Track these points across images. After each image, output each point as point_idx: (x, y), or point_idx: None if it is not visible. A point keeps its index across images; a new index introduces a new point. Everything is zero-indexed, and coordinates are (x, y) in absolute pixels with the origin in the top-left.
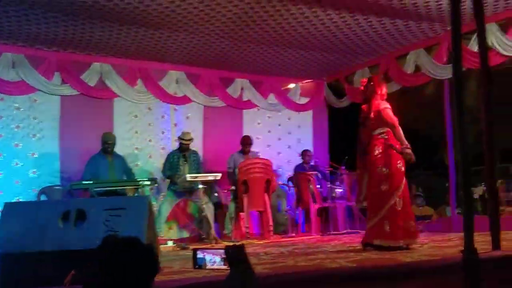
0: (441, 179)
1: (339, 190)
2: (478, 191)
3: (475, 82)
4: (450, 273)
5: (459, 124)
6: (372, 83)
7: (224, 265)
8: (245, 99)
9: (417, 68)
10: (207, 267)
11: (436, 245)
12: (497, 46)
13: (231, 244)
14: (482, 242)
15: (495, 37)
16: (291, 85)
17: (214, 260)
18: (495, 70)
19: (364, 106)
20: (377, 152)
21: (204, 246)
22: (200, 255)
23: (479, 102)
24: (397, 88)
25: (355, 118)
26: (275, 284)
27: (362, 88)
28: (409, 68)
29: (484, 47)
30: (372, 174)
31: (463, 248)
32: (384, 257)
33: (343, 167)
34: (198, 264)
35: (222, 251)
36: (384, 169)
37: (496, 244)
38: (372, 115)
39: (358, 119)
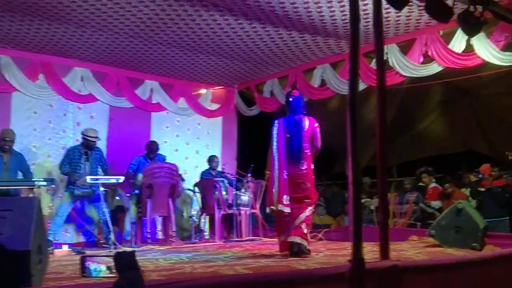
0: (341, 189)
1: (244, 198)
2: (374, 202)
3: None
4: (340, 281)
5: (352, 138)
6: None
7: (111, 273)
8: (154, 101)
9: (323, 82)
10: (92, 276)
11: (332, 253)
12: (397, 66)
13: (128, 250)
14: (374, 251)
15: (395, 57)
16: (202, 91)
17: (99, 269)
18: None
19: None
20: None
21: (93, 253)
22: (87, 263)
23: None
24: (304, 100)
25: (264, 127)
26: None
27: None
28: (315, 82)
29: (382, 66)
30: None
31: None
32: (280, 264)
33: (250, 175)
34: (85, 272)
35: (109, 259)
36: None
37: (385, 254)
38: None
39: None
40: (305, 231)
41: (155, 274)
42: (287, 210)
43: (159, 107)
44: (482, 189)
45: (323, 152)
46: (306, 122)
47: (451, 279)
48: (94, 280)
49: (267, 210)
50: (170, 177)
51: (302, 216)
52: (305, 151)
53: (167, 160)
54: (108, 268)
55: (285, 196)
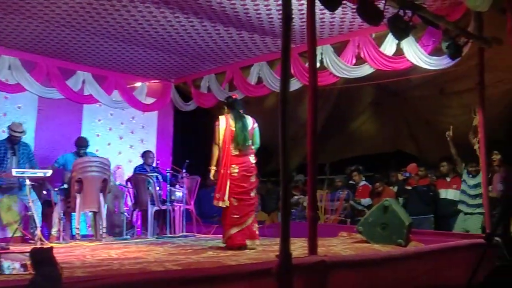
0: (275, 186)
1: (178, 193)
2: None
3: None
4: (268, 276)
5: (282, 135)
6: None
7: (26, 270)
8: (86, 93)
9: (260, 80)
10: (5, 273)
11: (264, 249)
12: (331, 67)
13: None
14: (305, 247)
15: (329, 58)
16: (138, 84)
17: (13, 266)
18: (332, 88)
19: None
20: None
21: (8, 251)
22: (0, 259)
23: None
24: (241, 96)
25: (200, 122)
26: None
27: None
28: (252, 79)
29: (314, 66)
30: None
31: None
32: (211, 260)
33: (184, 171)
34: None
35: (24, 256)
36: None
37: (313, 249)
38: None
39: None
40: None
41: (80, 271)
42: (235, 203)
43: (91, 99)
44: (409, 188)
45: (262, 149)
46: (250, 120)
47: (376, 273)
48: (5, 277)
49: (220, 204)
50: (101, 171)
51: (252, 216)
52: (252, 146)
53: (99, 154)
54: (23, 265)
55: (234, 191)
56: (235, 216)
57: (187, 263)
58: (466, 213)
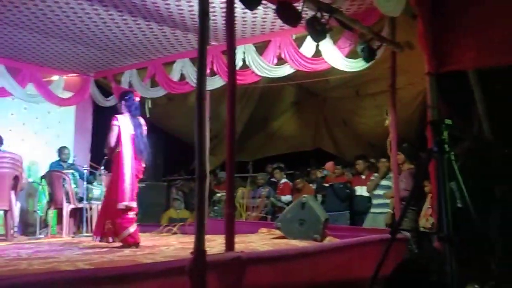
0: None
1: (96, 191)
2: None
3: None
4: (182, 274)
5: (199, 132)
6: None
7: None
8: None
9: (183, 77)
10: None
11: (183, 247)
12: (253, 66)
13: None
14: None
15: (251, 57)
16: (55, 77)
17: None
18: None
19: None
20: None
21: None
22: None
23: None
24: (163, 93)
25: None
26: None
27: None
28: (175, 76)
29: (232, 64)
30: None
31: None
32: (126, 259)
33: (103, 167)
34: None
35: None
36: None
37: (230, 246)
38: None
39: None
40: None
41: None
42: (135, 205)
43: (4, 92)
44: (326, 185)
45: (182, 147)
46: (143, 122)
47: (293, 268)
48: None
49: (121, 206)
50: (12, 168)
51: None
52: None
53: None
54: None
55: (133, 192)
56: (133, 214)
57: (100, 262)
58: (373, 213)
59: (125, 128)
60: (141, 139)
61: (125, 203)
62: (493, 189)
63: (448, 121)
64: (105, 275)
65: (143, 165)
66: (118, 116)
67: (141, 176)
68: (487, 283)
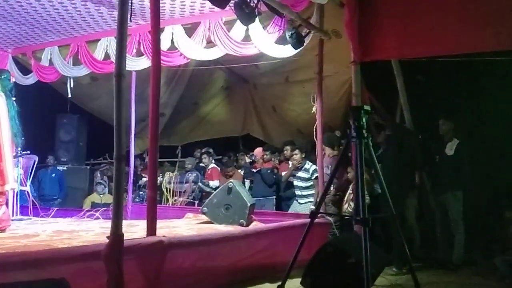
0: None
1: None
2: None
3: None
4: (98, 259)
5: (117, 111)
6: None
7: None
8: None
9: (107, 56)
10: None
11: (104, 231)
12: (181, 48)
13: None
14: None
15: (179, 38)
16: None
17: None
18: (184, 69)
19: None
20: None
21: None
22: None
23: None
24: (87, 72)
25: (41, 97)
26: None
27: None
28: (99, 55)
29: (157, 45)
30: None
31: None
32: (41, 244)
33: (20, 149)
34: None
35: None
36: None
37: (151, 230)
38: None
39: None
40: None
41: None
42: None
43: None
44: (254, 170)
45: (107, 130)
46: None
47: (216, 252)
48: None
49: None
50: None
51: None
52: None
53: None
54: None
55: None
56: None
57: (14, 247)
58: (299, 203)
59: (1, 108)
60: (14, 122)
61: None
62: (411, 175)
63: (367, 107)
64: (17, 259)
65: (18, 148)
66: None
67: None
68: (405, 267)
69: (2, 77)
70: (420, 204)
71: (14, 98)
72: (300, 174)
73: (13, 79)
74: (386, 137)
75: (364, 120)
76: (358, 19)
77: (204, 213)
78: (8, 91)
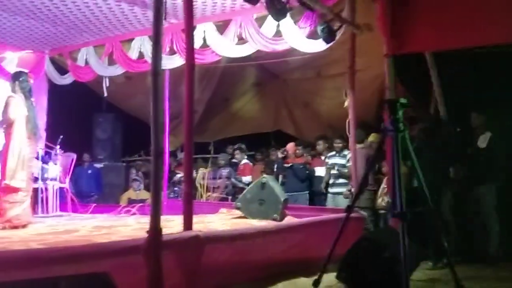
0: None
1: (52, 171)
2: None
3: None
4: (137, 253)
5: (154, 109)
6: None
7: None
8: None
9: (141, 55)
10: None
11: (141, 227)
12: (213, 45)
13: None
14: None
15: (211, 36)
16: (8, 54)
17: None
18: (216, 67)
19: None
20: None
21: None
22: None
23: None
24: (121, 71)
25: (78, 96)
26: None
27: None
28: (133, 54)
29: (191, 43)
30: None
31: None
32: (81, 239)
33: (59, 147)
34: None
35: None
36: None
37: (188, 225)
38: None
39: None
40: None
41: None
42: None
43: None
44: (286, 166)
45: (142, 128)
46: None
47: (250, 247)
48: None
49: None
50: None
51: None
52: None
53: None
54: None
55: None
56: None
57: (55, 242)
58: (333, 193)
59: (19, 108)
60: (34, 122)
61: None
62: (447, 169)
63: (403, 100)
64: (58, 254)
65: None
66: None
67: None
68: (441, 261)
69: (21, 78)
70: (455, 197)
71: (33, 99)
72: (337, 160)
73: (31, 81)
74: (420, 130)
75: (400, 113)
76: (391, 12)
77: (238, 208)
78: (27, 92)
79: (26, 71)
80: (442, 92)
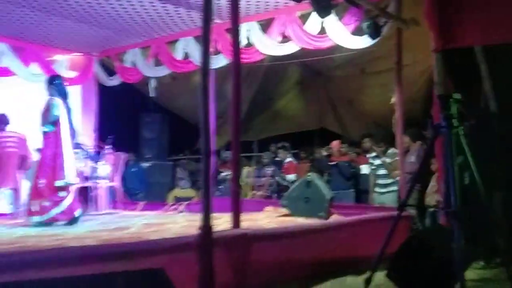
0: None
1: (103, 170)
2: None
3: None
4: (189, 250)
5: (204, 108)
6: None
7: None
8: (2, 65)
9: (186, 55)
10: None
11: (190, 224)
12: (257, 44)
13: None
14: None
15: (255, 35)
16: (58, 57)
17: None
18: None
19: None
20: None
21: None
22: None
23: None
24: (167, 72)
25: (125, 97)
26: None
27: None
28: (179, 55)
29: (237, 42)
30: None
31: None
32: (133, 236)
33: (109, 146)
34: None
35: None
36: None
37: (236, 223)
38: None
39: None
40: None
41: None
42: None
43: (7, 72)
44: (331, 164)
45: (187, 127)
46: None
47: (298, 245)
48: None
49: (60, 184)
50: (18, 147)
51: None
52: None
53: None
54: None
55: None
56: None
57: (108, 239)
58: (380, 193)
59: (61, 108)
60: (71, 123)
61: (65, 180)
62: (499, 166)
63: (456, 95)
64: (112, 251)
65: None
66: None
67: None
68: (493, 260)
69: (55, 82)
70: (507, 196)
71: (68, 101)
72: (379, 160)
73: (66, 83)
74: (470, 126)
75: (454, 108)
76: (438, 6)
77: (284, 206)
78: (63, 94)
79: (61, 74)
80: (493, 86)
